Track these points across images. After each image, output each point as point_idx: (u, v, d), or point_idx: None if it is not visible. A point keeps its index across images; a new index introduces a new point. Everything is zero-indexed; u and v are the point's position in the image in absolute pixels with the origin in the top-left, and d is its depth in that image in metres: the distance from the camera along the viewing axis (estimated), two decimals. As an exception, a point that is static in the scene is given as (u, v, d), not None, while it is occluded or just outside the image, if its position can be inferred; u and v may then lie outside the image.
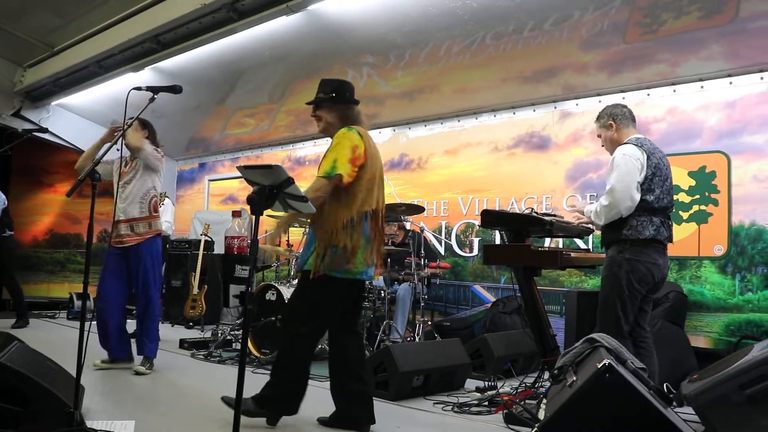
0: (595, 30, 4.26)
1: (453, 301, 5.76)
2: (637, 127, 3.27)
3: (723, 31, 4.02)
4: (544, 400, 2.72)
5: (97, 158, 2.78)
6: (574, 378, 2.32)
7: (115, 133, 3.79)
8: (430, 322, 5.30)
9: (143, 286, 3.92)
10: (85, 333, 2.42)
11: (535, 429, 2.16)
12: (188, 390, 3.60)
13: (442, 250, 5.91)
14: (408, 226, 5.39)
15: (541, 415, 2.70)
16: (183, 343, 5.00)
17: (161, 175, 4.07)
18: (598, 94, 5.05)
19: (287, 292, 4.46)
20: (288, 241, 5.43)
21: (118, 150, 3.65)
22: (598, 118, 3.29)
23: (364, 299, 4.01)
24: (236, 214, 6.98)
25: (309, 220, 2.82)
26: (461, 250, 5.80)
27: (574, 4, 4.05)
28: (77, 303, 6.95)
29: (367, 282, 4.92)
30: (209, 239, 6.53)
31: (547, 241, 4.92)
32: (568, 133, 5.23)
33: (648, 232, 2.94)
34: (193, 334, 5.74)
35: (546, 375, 3.23)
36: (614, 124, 3.19)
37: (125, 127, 3.08)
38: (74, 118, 7.62)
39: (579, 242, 4.96)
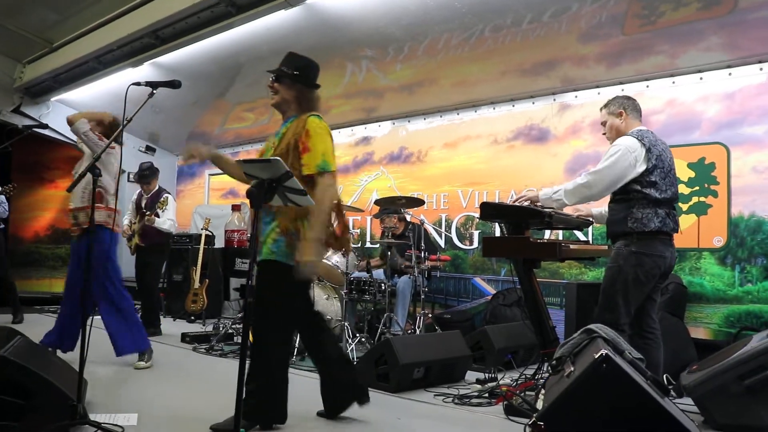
0: (593, 22, 4.25)
1: (453, 293, 5.78)
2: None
3: (722, 23, 4.01)
4: (543, 391, 2.74)
5: (97, 154, 2.79)
6: (572, 368, 2.33)
7: (113, 127, 3.79)
8: (430, 315, 5.31)
9: (96, 281, 3.60)
10: (87, 327, 2.44)
11: (533, 419, 2.17)
12: (190, 383, 3.63)
13: (442, 242, 5.93)
14: (408, 218, 5.41)
15: (540, 405, 2.72)
16: (185, 337, 5.03)
17: (111, 165, 3.75)
18: (597, 86, 5.04)
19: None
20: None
21: (116, 146, 3.67)
22: (608, 104, 3.27)
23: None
24: (236, 207, 6.98)
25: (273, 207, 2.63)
26: (461, 242, 5.81)
27: (573, -4, 4.04)
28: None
29: (366, 275, 4.99)
30: (210, 234, 6.55)
31: (547, 233, 4.93)
32: (567, 126, 5.22)
33: (653, 224, 2.94)
34: (195, 328, 5.77)
35: (546, 366, 3.25)
36: (624, 113, 3.19)
37: (125, 122, 3.08)
38: (74, 114, 7.63)
39: (579, 234, 4.98)
